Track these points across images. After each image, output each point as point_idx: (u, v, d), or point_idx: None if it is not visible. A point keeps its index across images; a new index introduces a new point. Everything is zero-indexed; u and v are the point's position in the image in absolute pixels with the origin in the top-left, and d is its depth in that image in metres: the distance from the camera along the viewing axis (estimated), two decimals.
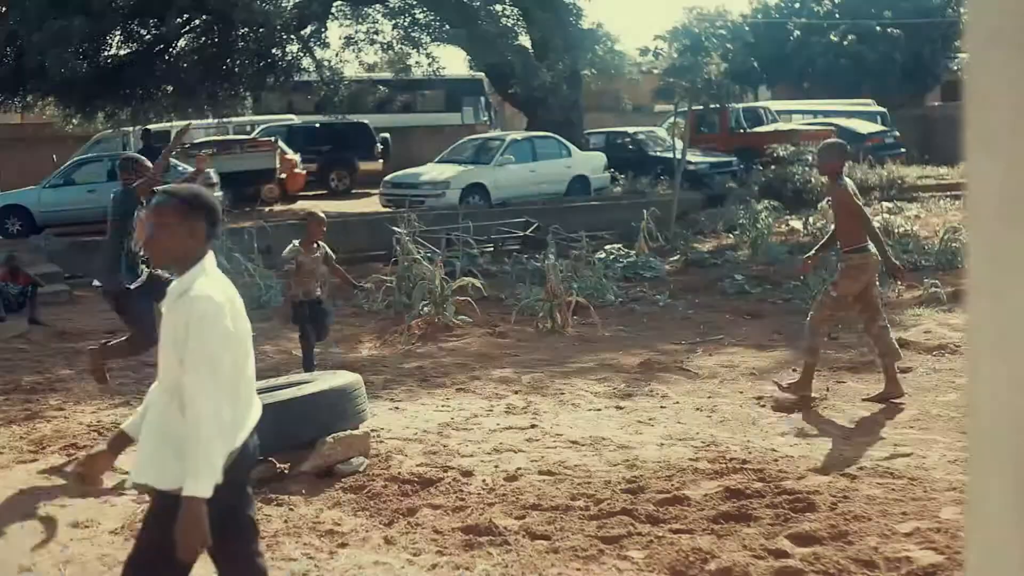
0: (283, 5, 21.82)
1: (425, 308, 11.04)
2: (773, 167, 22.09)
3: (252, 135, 26.35)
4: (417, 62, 23.81)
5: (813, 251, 8.16)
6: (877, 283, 7.85)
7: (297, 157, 25.41)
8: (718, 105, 23.19)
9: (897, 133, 28.50)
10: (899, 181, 23.10)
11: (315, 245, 8.18)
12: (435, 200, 20.00)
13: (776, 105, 31.64)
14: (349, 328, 11.25)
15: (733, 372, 8.80)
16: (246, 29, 21.01)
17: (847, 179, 7.63)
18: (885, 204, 19.06)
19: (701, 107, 22.14)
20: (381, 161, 27.12)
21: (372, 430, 6.75)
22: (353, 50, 23.62)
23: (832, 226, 7.95)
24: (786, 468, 6.03)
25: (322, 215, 8.47)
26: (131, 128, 23.34)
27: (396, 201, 19.70)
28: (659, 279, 13.80)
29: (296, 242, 8.21)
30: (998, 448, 1.10)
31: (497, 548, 4.98)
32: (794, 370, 8.82)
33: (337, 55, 23.77)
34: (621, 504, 5.46)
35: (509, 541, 5.04)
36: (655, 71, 22.37)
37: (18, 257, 13.41)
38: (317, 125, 27.36)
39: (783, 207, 19.33)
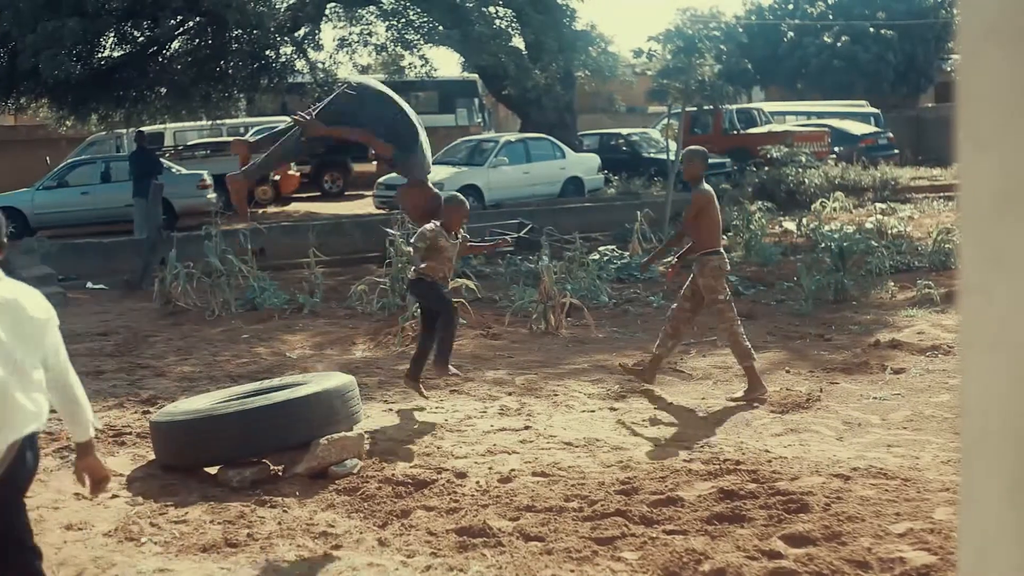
0: (277, 7, 21.81)
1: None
2: (767, 168, 22.12)
3: (246, 137, 26.30)
4: (411, 64, 23.82)
5: (673, 259, 8.44)
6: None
7: None
8: (711, 106, 23.20)
9: (890, 134, 28.58)
10: (892, 182, 23.18)
11: (455, 233, 7.83)
12: None
13: (769, 106, 31.72)
14: (343, 330, 11.23)
15: (726, 373, 8.80)
16: (240, 31, 20.99)
17: (707, 185, 7.98)
18: (878, 205, 19.09)
19: (694, 108, 22.16)
20: (375, 163, 27.08)
21: (366, 432, 6.74)
22: (347, 52, 23.63)
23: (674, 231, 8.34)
24: (780, 469, 6.03)
25: (466, 203, 8.12)
26: (124, 130, 23.33)
27: (390, 203, 19.67)
28: (653, 280, 13.79)
29: (435, 223, 7.77)
30: (991, 449, 1.09)
31: (491, 550, 4.98)
32: (788, 371, 8.85)
33: (331, 57, 23.79)
34: (615, 505, 5.45)
35: (503, 542, 5.04)
36: (648, 72, 22.33)
37: (11, 260, 13.38)
38: None
39: (776, 208, 19.37)
